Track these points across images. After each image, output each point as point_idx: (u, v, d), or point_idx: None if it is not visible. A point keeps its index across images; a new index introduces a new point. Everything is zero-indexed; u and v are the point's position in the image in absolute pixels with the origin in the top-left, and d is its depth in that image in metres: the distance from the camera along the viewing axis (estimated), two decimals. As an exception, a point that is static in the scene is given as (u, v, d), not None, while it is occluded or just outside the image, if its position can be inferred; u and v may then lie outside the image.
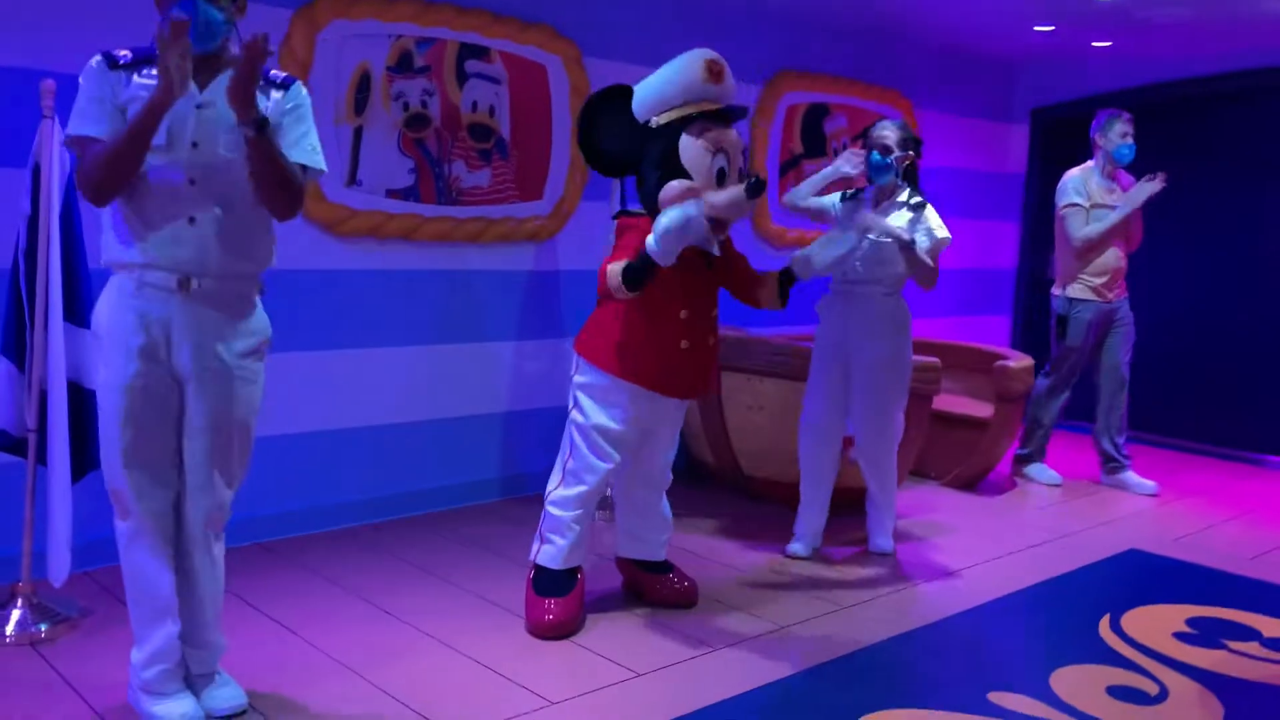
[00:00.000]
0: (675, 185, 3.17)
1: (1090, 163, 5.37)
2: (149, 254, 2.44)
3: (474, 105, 4.52)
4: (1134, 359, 5.48)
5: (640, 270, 3.11)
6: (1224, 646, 3.47)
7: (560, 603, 3.34)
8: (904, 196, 4.01)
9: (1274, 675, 3.27)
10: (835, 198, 4.13)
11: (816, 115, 6.03)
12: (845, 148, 6.24)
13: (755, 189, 3.05)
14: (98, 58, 2.45)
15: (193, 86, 2.42)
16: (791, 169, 5.98)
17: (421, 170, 4.39)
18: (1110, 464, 5.54)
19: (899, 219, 3.93)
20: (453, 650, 3.19)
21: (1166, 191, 5.03)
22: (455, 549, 4.13)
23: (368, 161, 4.22)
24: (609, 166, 3.40)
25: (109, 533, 2.67)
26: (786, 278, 3.45)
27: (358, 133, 4.19)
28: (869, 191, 4.06)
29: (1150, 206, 5.20)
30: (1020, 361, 5.27)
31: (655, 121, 3.23)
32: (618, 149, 3.32)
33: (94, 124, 2.41)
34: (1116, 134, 5.24)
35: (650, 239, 3.07)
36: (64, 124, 2.54)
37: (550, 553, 3.39)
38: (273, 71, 2.58)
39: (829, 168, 4.15)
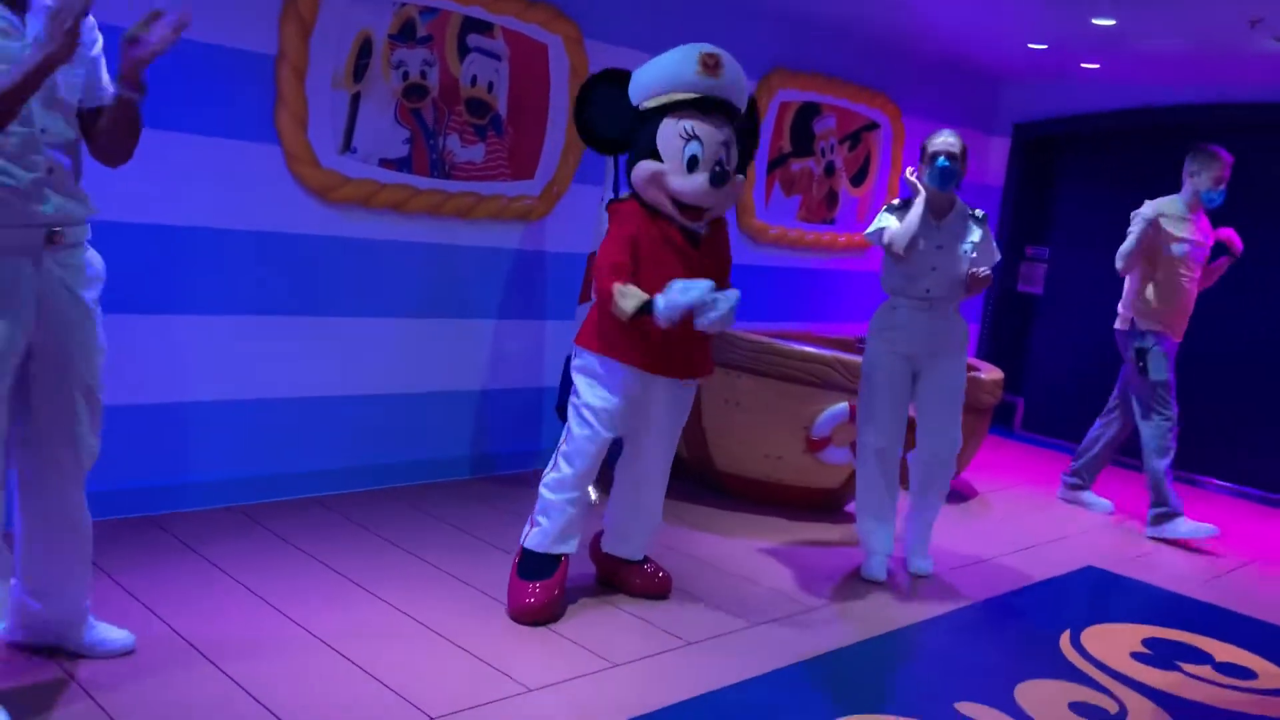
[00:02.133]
0: (644, 166, 3.29)
1: (1176, 195, 5.09)
2: (6, 214, 2.30)
3: (473, 79, 4.47)
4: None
5: (641, 316, 3.21)
6: (1178, 669, 3.56)
7: (543, 586, 3.36)
8: (967, 210, 4.05)
9: (1226, 700, 3.37)
10: (888, 218, 4.02)
11: (807, 115, 6.05)
12: (833, 149, 6.30)
13: (717, 178, 3.20)
14: None
15: (13, 20, 2.29)
16: (779, 167, 5.99)
17: (416, 141, 4.34)
18: (1072, 480, 5.65)
19: (972, 234, 4.01)
20: (429, 630, 3.18)
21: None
22: (427, 526, 4.11)
23: (363, 129, 4.17)
24: (602, 145, 3.50)
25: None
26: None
27: (355, 99, 4.13)
28: (925, 205, 3.96)
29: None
30: (991, 374, 5.35)
31: (644, 106, 3.32)
32: (611, 129, 3.41)
33: None
34: (1210, 177, 4.97)
35: (661, 303, 3.15)
36: None
37: (536, 535, 3.41)
38: None
39: (903, 214, 3.98)
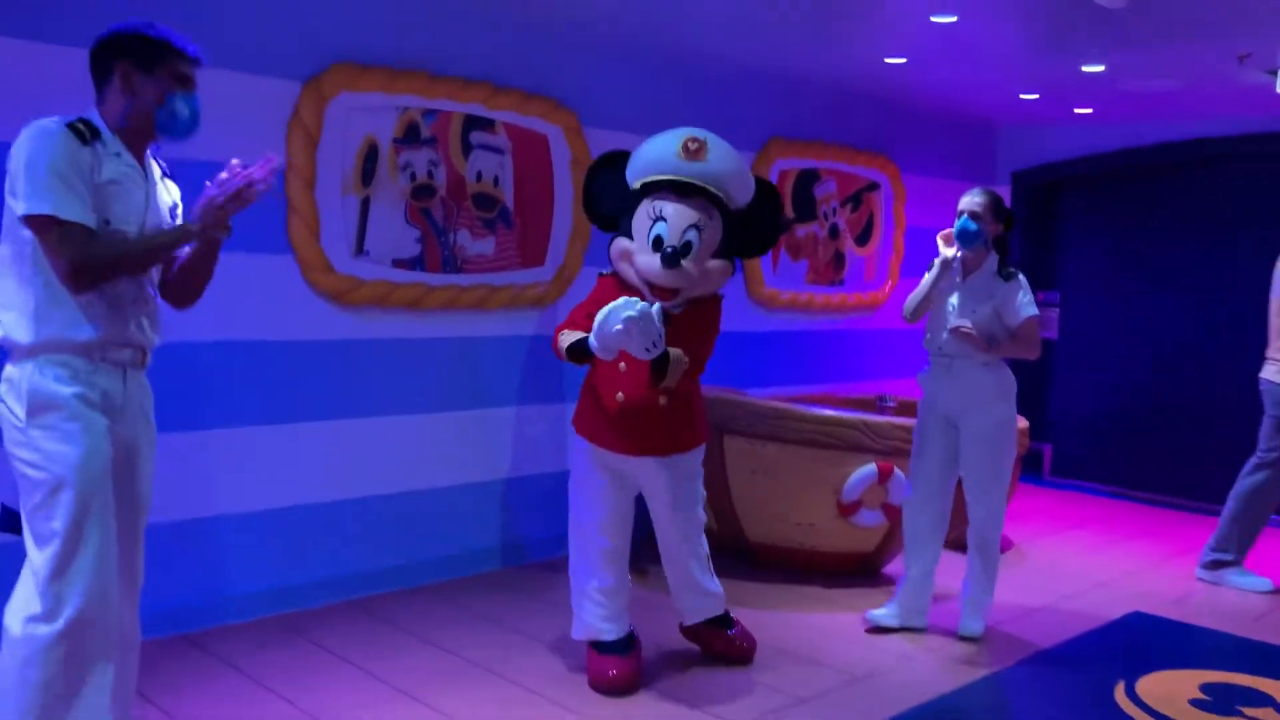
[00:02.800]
0: (617, 243, 3.43)
1: None
2: (112, 331, 2.47)
3: (478, 175, 4.55)
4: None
5: (580, 354, 3.28)
6: (1240, 714, 3.48)
7: (617, 660, 3.46)
8: (996, 268, 3.96)
9: (1292, 742, 3.29)
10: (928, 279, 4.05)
11: (807, 181, 6.12)
12: (835, 211, 6.36)
13: (667, 260, 3.24)
14: (56, 126, 2.37)
15: (139, 167, 2.54)
16: (784, 233, 6.04)
17: (427, 240, 4.40)
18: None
19: (994, 290, 3.93)
20: (472, 730, 3.14)
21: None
22: (465, 622, 4.07)
23: (375, 231, 4.23)
24: (604, 223, 3.62)
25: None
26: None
27: (365, 203, 4.20)
28: (957, 263, 3.99)
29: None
30: (1019, 424, 5.31)
31: (633, 186, 3.44)
32: (610, 208, 3.53)
33: (81, 209, 2.36)
34: None
35: (592, 337, 3.17)
36: None
37: (580, 627, 3.51)
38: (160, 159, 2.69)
39: (927, 275, 4.02)
